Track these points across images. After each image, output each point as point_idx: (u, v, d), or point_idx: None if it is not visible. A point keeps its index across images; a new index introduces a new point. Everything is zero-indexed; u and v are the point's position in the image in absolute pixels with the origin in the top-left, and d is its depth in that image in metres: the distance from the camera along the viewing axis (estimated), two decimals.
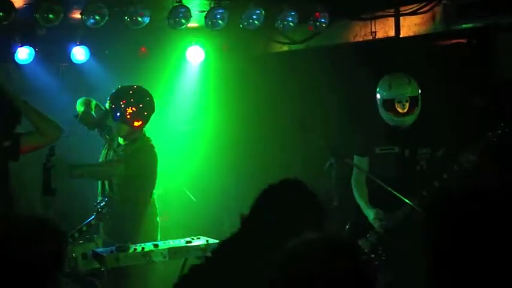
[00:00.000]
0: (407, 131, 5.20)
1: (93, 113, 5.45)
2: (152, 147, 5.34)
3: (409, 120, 5.16)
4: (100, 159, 5.52)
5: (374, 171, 5.17)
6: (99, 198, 5.27)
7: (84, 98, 5.64)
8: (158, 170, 5.39)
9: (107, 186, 5.35)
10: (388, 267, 5.10)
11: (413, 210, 4.85)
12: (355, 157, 5.28)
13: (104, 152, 5.50)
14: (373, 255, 5.11)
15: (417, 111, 5.16)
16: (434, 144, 5.17)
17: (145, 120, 5.30)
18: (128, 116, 5.20)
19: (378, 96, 5.27)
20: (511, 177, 5.07)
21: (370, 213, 5.14)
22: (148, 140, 5.36)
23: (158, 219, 5.52)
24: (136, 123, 5.24)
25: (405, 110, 5.13)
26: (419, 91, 5.18)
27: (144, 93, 5.35)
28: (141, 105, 5.24)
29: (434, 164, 5.12)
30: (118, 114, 5.20)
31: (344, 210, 5.26)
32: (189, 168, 7.18)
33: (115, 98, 5.26)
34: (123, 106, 5.20)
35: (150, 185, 5.34)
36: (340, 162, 5.21)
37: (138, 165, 5.23)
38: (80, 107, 5.57)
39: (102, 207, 5.00)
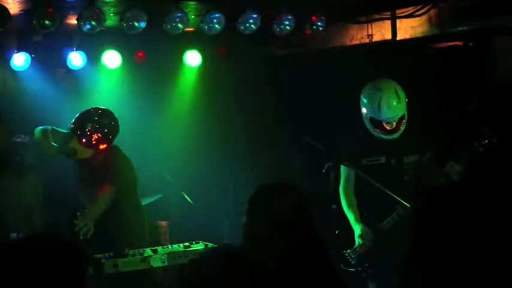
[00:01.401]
0: (393, 140, 5.13)
1: (52, 142, 5.30)
2: (119, 153, 5.38)
3: (395, 136, 5.09)
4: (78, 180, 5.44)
5: (361, 182, 5.11)
6: None
7: (39, 129, 5.47)
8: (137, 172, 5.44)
9: None
10: (375, 280, 5.09)
11: (401, 219, 4.85)
12: (342, 167, 5.20)
13: (78, 172, 5.41)
14: (360, 268, 5.08)
15: (403, 126, 5.10)
16: (422, 151, 5.12)
17: (110, 142, 5.31)
18: (94, 142, 5.19)
19: (364, 110, 5.13)
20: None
21: (357, 229, 5.06)
22: (113, 148, 5.36)
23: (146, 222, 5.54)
24: (101, 147, 5.25)
25: (393, 128, 5.08)
26: (406, 104, 5.10)
27: (109, 117, 5.32)
28: (106, 130, 5.22)
29: (421, 171, 5.09)
30: (84, 140, 5.17)
31: (342, 213, 5.25)
32: (187, 172, 7.17)
33: (80, 124, 5.21)
34: (88, 133, 5.18)
35: (132, 191, 5.39)
36: (338, 166, 5.21)
37: (121, 179, 5.30)
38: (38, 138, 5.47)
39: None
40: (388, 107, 5.01)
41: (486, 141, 4.74)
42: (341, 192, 5.23)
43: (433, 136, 5.27)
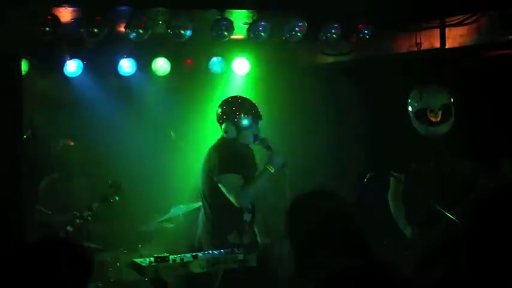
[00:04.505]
0: (444, 145, 5.10)
1: None
2: None
3: (444, 129, 5.06)
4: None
5: (410, 187, 5.09)
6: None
7: None
8: None
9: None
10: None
11: (454, 224, 4.79)
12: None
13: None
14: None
15: (451, 120, 5.07)
16: (473, 157, 5.06)
17: None
18: None
19: (410, 108, 5.21)
20: None
21: (407, 229, 5.08)
22: None
23: None
24: None
25: (438, 119, 5.04)
26: (452, 100, 5.10)
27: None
28: None
29: (472, 177, 5.02)
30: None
31: (386, 222, 5.24)
32: None
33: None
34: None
35: None
36: (380, 176, 5.18)
37: None
38: None
39: None
40: (429, 93, 5.08)
41: None
42: (390, 197, 5.27)
43: (483, 144, 5.21)
